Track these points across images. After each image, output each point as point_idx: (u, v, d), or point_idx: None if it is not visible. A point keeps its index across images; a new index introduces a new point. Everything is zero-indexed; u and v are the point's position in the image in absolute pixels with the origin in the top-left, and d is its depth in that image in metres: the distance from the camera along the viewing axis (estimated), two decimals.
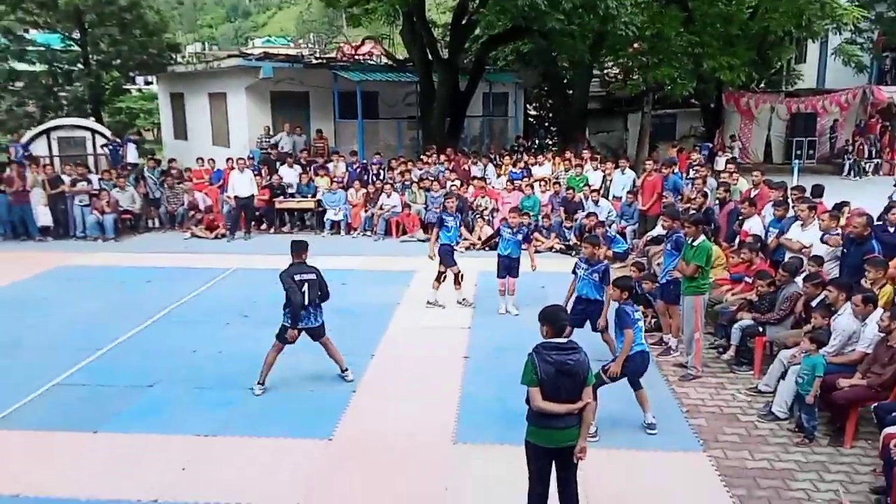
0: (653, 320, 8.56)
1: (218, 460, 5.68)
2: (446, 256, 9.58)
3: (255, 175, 14.92)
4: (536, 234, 13.15)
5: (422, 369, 7.53)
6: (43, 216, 14.05)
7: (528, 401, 4.33)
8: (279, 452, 5.78)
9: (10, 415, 6.39)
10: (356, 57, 21.73)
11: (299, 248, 6.93)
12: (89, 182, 14.43)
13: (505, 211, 13.72)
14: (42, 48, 24.49)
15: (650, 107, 21.77)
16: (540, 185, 14.48)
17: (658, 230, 10.49)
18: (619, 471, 5.50)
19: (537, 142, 23.89)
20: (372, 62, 21.56)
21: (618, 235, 12.50)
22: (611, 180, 14.39)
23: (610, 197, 13.95)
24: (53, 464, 5.59)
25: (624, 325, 5.96)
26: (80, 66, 24.13)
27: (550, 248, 13.01)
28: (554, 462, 4.40)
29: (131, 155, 17.47)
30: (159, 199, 15.24)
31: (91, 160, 17.32)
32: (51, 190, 14.06)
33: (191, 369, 7.51)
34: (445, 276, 9.62)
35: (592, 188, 13.80)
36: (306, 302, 6.70)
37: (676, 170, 13.53)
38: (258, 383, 6.90)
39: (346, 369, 7.20)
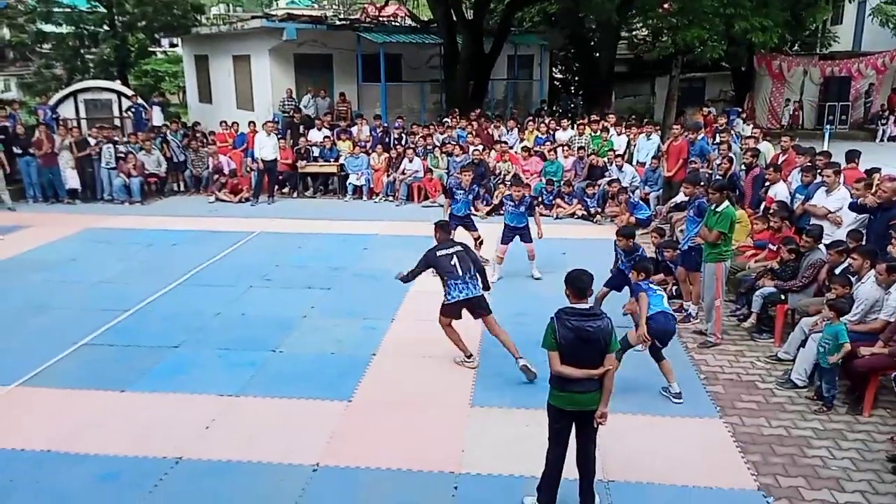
0: (673, 287, 8.51)
1: (241, 419, 5.82)
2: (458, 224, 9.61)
3: (280, 139, 14.97)
4: (558, 200, 13.08)
5: (441, 333, 7.56)
6: (71, 179, 14.28)
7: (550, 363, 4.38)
8: (300, 413, 5.91)
9: (41, 373, 6.60)
10: (380, 18, 21.48)
11: (443, 228, 7.05)
12: (115, 142, 14.56)
13: (526, 177, 13.73)
14: (69, 9, 24.52)
15: (678, 70, 21.30)
16: (563, 150, 14.32)
17: (681, 196, 10.36)
18: (635, 435, 5.54)
19: (562, 106, 23.56)
20: (396, 24, 21.31)
21: (641, 202, 12.37)
22: (636, 145, 14.20)
23: (634, 162, 13.77)
24: (82, 421, 5.77)
25: (637, 290, 6.13)
26: (105, 27, 24.19)
27: (572, 215, 12.93)
28: (574, 425, 4.45)
29: (157, 118, 17.57)
30: (184, 163, 15.38)
31: (117, 123, 17.48)
32: (78, 152, 14.25)
33: (215, 331, 7.67)
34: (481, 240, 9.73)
35: (616, 153, 13.62)
36: (461, 272, 6.50)
37: (703, 134, 13.29)
38: (467, 356, 6.76)
39: (518, 357, 6.44)
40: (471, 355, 6.78)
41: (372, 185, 14.81)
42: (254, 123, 15.19)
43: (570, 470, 4.53)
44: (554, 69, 26.34)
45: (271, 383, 6.42)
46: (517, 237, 9.26)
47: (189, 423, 5.71)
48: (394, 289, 8.88)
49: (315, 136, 15.50)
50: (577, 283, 4.43)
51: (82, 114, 17.47)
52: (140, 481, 4.94)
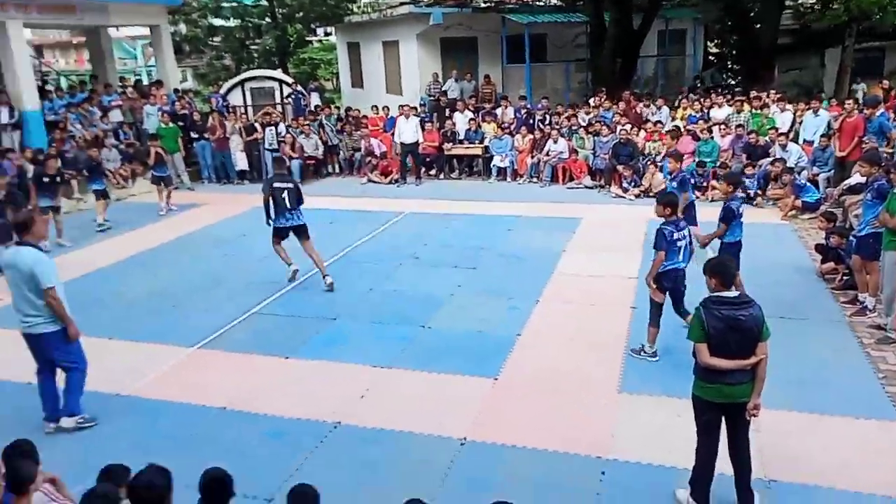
0: (844, 277, 7.85)
1: (393, 390, 6.11)
2: None
3: (427, 122, 15.32)
4: (713, 182, 12.41)
5: (587, 316, 7.51)
6: (240, 161, 15.52)
7: (694, 354, 4.21)
8: (448, 387, 6.09)
9: (218, 337, 7.28)
10: None
11: (280, 162, 9.31)
12: (276, 125, 15.58)
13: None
14: (235, 4, 26.54)
15: (853, 40, 19.34)
16: (719, 129, 13.54)
17: (856, 178, 9.47)
18: (801, 434, 5.18)
19: (712, 80, 22.14)
20: (540, 3, 21.04)
21: (808, 184, 11.45)
22: (801, 123, 13.14)
23: (800, 141, 12.76)
24: (253, 383, 6.30)
25: (658, 247, 6.08)
26: (268, 20, 25.94)
27: None
28: (724, 418, 4.26)
29: (315, 103, 18.58)
30: (337, 146, 16.18)
31: (278, 109, 18.68)
32: (246, 137, 15.42)
33: (368, 305, 8.07)
34: None
35: (780, 131, 12.68)
36: (288, 206, 8.29)
37: (883, 110, 12.02)
38: (290, 264, 8.62)
39: (327, 275, 8.47)
40: (291, 263, 8.60)
41: (516, 167, 14.81)
42: (409, 106, 15.62)
43: (726, 465, 4.34)
44: (709, 43, 24.86)
45: (421, 357, 6.66)
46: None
47: (346, 391, 6.06)
48: (538, 271, 8.92)
49: (459, 119, 15.71)
50: (723, 270, 4.21)
51: (249, 101, 18.83)
52: (304, 441, 5.33)
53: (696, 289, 5.71)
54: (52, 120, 14.75)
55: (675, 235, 6.12)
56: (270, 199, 8.33)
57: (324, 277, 8.50)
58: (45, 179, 10.87)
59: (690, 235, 6.41)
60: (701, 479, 4.34)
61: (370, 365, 6.52)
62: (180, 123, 15.29)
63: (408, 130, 14.61)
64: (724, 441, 4.32)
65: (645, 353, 6.40)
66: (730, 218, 6.75)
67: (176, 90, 17.42)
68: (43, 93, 15.68)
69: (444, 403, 5.82)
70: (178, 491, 3.31)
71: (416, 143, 14.76)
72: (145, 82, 22.72)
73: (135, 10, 17.05)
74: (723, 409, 4.21)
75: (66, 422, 5.57)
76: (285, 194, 8.29)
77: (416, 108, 15.78)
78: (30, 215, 5.56)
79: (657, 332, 6.37)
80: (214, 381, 6.37)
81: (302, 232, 8.53)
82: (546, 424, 5.45)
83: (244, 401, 5.95)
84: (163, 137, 13.79)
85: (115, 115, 15.86)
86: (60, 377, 5.60)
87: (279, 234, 8.53)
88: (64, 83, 22.58)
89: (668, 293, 6.30)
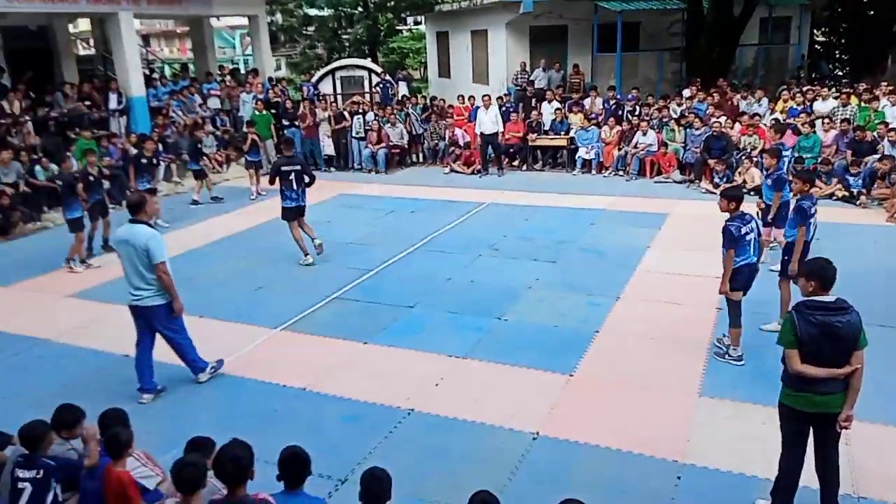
0: None
1: (467, 380, 6.13)
2: None
3: (512, 112, 15.20)
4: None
5: (670, 316, 7.29)
6: (328, 148, 15.92)
7: (784, 361, 4.01)
8: (523, 380, 6.07)
9: (301, 320, 7.53)
10: None
11: (288, 144, 9.57)
12: (364, 113, 15.87)
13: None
14: None
15: None
16: (823, 124, 12.79)
17: None
18: None
19: (817, 71, 20.89)
20: None
21: None
22: None
23: None
24: (332, 366, 6.48)
25: (727, 246, 5.90)
26: (360, 9, 26.40)
27: (830, 196, 11.54)
28: (812, 429, 4.05)
29: (403, 92, 18.79)
30: (422, 135, 16.32)
31: (366, 97, 19.01)
32: (335, 125, 15.78)
33: (446, 295, 8.12)
34: None
35: (890, 126, 11.85)
36: (295, 186, 8.86)
37: None
38: (306, 255, 9.16)
39: (315, 237, 9.12)
40: (307, 254, 9.12)
41: (602, 159, 14.50)
42: (489, 97, 15.59)
43: (810, 478, 4.13)
44: (815, 31, 23.46)
45: (496, 349, 6.65)
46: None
47: (421, 379, 6.14)
48: (620, 267, 8.74)
49: (546, 108, 15.50)
50: (824, 273, 3.94)
51: (338, 89, 19.26)
52: (378, 426, 5.44)
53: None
54: (155, 106, 15.58)
55: (743, 230, 5.89)
56: (276, 180, 8.96)
57: (313, 240, 9.19)
58: (143, 161, 11.51)
59: (759, 228, 6.18)
60: (783, 490, 4.16)
61: (446, 354, 6.57)
62: (273, 111, 15.81)
63: (487, 121, 14.52)
64: (810, 453, 4.11)
65: (730, 356, 6.17)
66: (803, 219, 6.37)
67: (270, 79, 18.02)
68: (148, 80, 16.57)
69: (518, 397, 5.80)
70: (257, 466, 3.44)
71: (496, 134, 14.65)
72: (242, 70, 23.62)
73: (235, 1, 17.75)
74: (811, 419, 4.01)
75: (202, 377, 6.14)
76: (291, 176, 8.85)
77: (500, 98, 15.69)
78: (142, 196, 5.96)
79: (740, 333, 6.15)
80: (295, 362, 6.59)
81: (301, 213, 9.12)
82: (621, 424, 5.35)
83: (322, 383, 6.14)
84: (256, 124, 14.31)
85: (213, 103, 16.60)
86: (157, 350, 5.95)
87: (288, 217, 9.08)
88: (168, 71, 23.80)
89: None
